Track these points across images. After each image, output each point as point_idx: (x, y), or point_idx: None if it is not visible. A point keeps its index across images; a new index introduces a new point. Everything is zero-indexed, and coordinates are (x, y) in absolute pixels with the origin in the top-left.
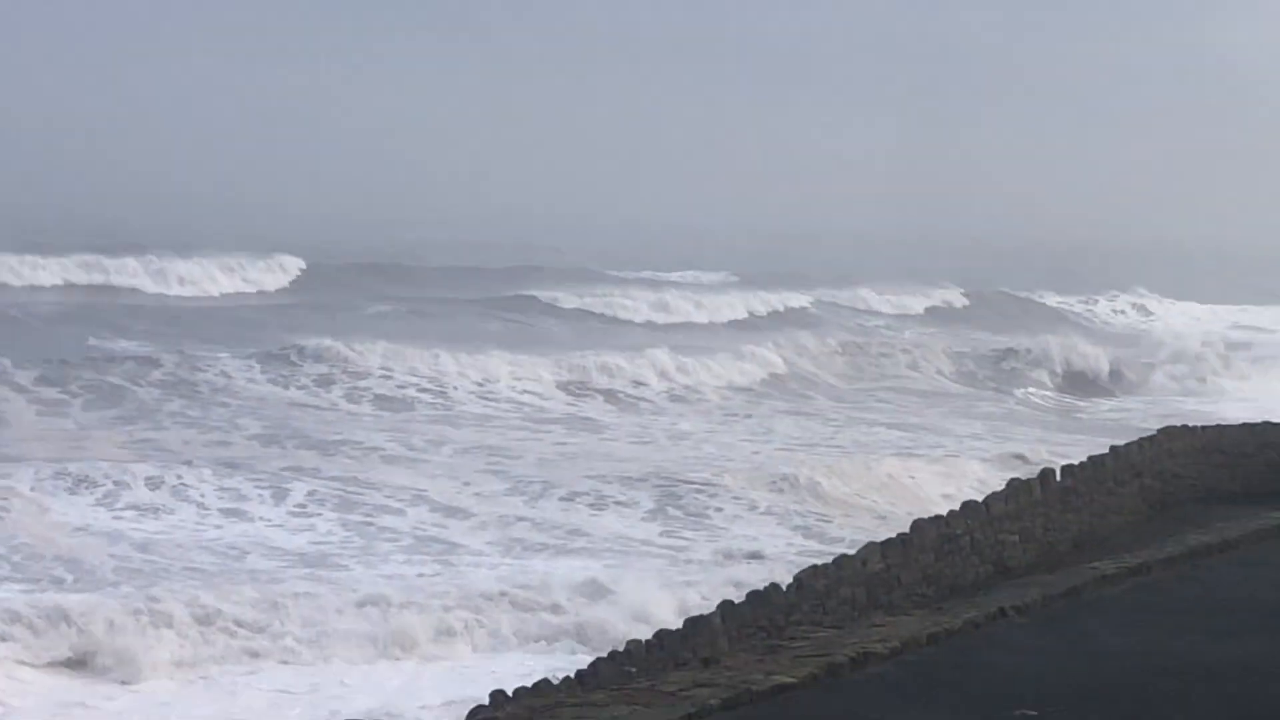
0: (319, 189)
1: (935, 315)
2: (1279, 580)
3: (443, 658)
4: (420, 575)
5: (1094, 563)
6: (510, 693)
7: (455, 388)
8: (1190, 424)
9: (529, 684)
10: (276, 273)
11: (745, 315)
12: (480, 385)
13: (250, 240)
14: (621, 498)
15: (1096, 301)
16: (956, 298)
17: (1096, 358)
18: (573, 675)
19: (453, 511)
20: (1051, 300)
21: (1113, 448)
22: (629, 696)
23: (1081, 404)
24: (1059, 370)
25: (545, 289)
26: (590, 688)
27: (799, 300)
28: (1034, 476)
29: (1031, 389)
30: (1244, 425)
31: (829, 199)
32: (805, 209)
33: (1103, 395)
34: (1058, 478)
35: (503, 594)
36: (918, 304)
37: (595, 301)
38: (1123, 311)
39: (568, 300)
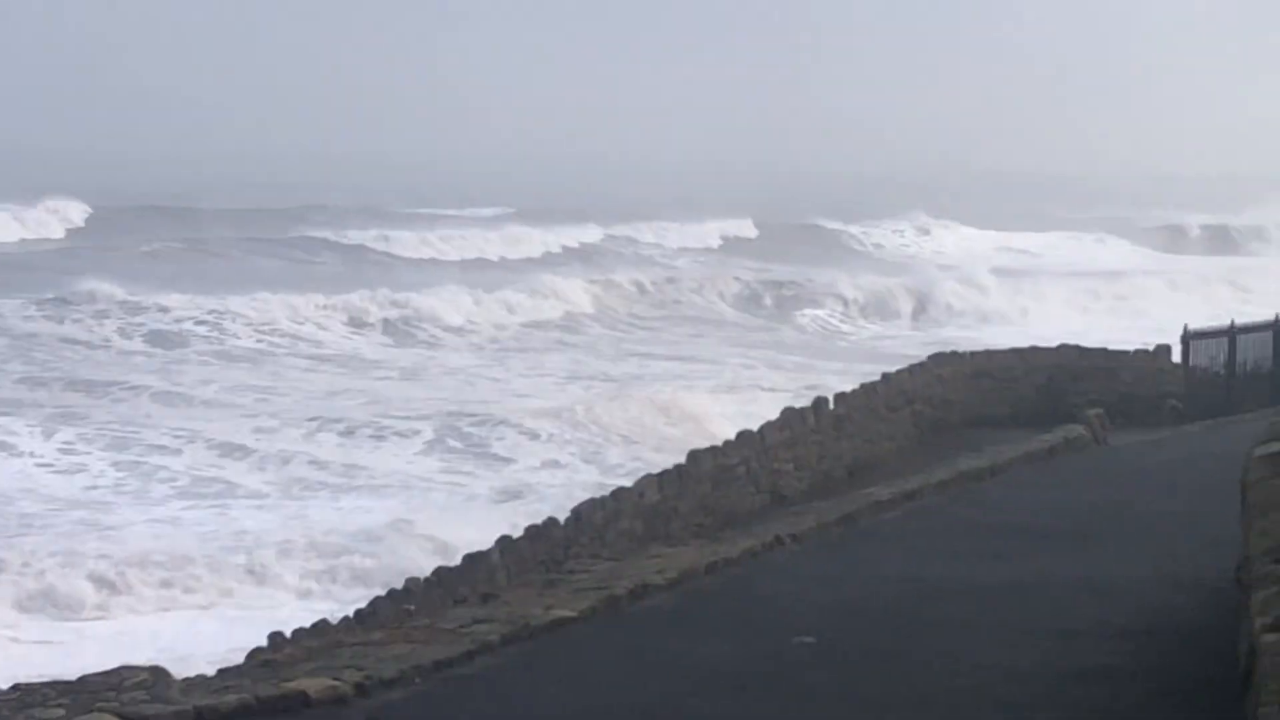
0: (101, 135)
1: (728, 247)
2: (1048, 502)
3: (219, 603)
4: (196, 518)
5: (868, 489)
6: (289, 634)
7: (232, 326)
8: (960, 350)
9: (308, 625)
10: (57, 218)
11: (540, 253)
12: (259, 323)
13: (36, 187)
14: (402, 431)
15: (878, 228)
16: (748, 229)
17: (876, 286)
18: (351, 615)
19: (230, 450)
20: (839, 227)
21: (884, 374)
22: (408, 635)
23: (862, 331)
24: (842, 298)
25: (328, 228)
26: (369, 627)
27: (591, 235)
28: (808, 405)
29: (809, 317)
30: (1012, 350)
31: (619, 131)
32: (593, 142)
33: (882, 322)
34: (831, 405)
35: (283, 537)
36: (710, 237)
37: (379, 238)
38: (901, 232)
39: (352, 237)
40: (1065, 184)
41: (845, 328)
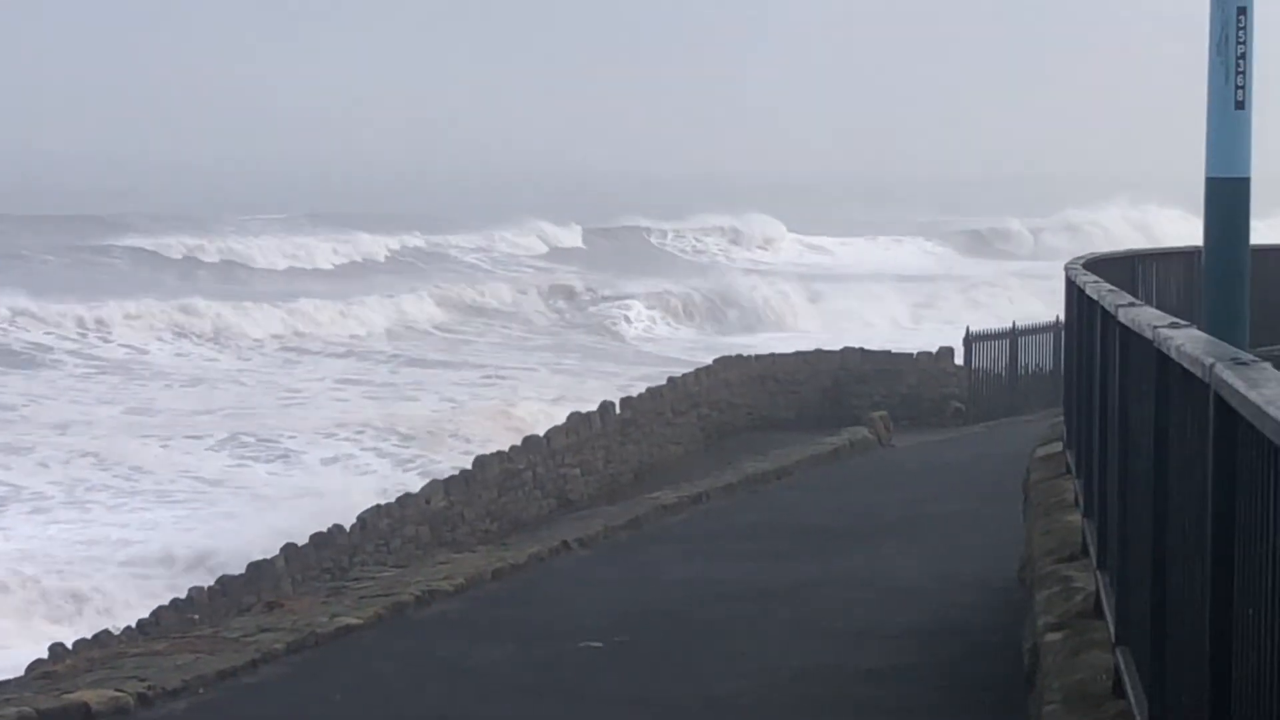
0: None
1: (553, 255)
2: (834, 504)
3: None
4: None
5: (655, 493)
6: (70, 645)
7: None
8: (745, 354)
9: (88, 635)
10: None
11: (360, 260)
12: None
13: None
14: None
15: (693, 232)
16: (573, 236)
17: (686, 294)
18: (133, 625)
19: None
20: (654, 234)
21: (670, 378)
22: (192, 644)
23: (676, 335)
24: (661, 303)
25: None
26: (152, 636)
27: (415, 242)
28: (594, 410)
29: (623, 325)
30: (797, 354)
31: (426, 137)
32: (409, 146)
33: (693, 326)
34: (617, 410)
35: (55, 553)
36: (536, 244)
37: (198, 246)
38: (699, 241)
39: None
40: (881, 189)
41: (661, 332)
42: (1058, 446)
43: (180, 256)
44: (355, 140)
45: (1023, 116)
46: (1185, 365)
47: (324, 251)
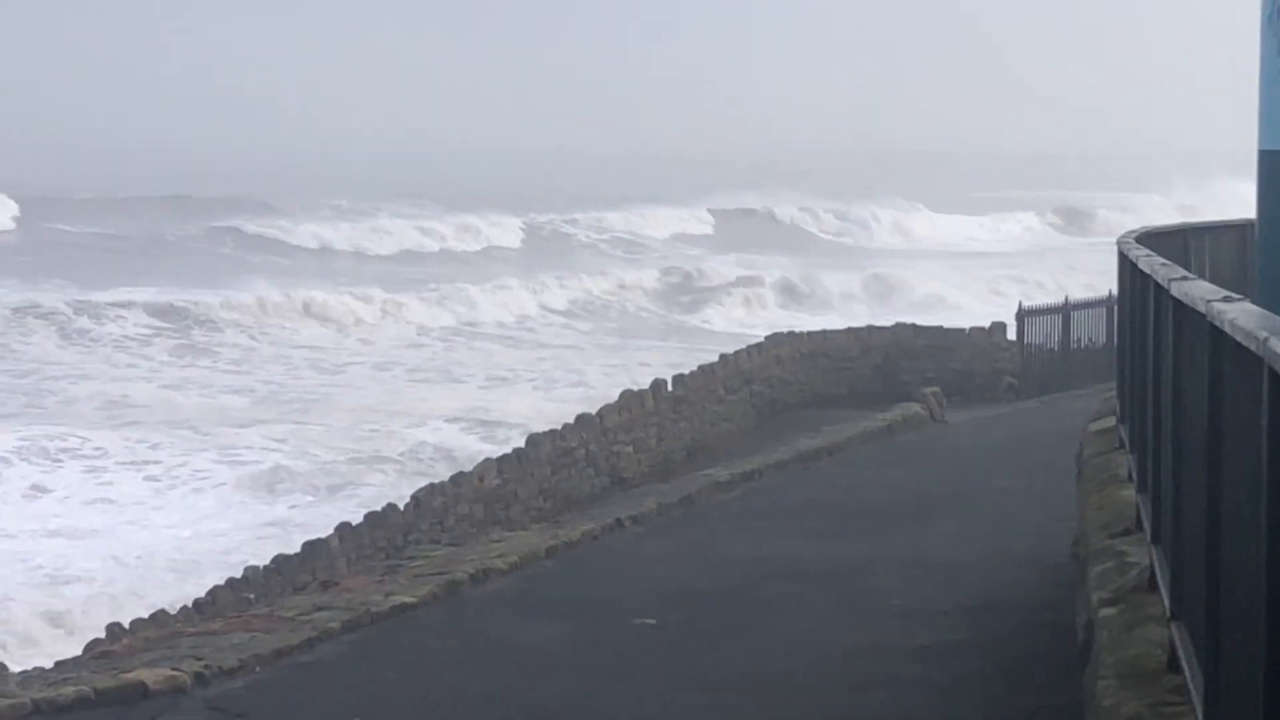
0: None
1: (682, 240)
2: (886, 481)
3: None
4: None
5: (707, 470)
6: (127, 625)
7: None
8: (796, 330)
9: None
10: None
11: (515, 243)
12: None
13: None
14: None
15: (846, 215)
16: (701, 219)
17: (804, 274)
18: (190, 604)
19: None
20: (791, 216)
21: (722, 355)
22: (248, 623)
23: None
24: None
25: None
26: (209, 616)
27: (564, 227)
28: (645, 387)
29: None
30: (848, 330)
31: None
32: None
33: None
34: (669, 388)
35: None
36: (675, 224)
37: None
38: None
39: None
40: (964, 162)
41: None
42: (1111, 421)
43: (316, 246)
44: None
45: (1119, 89)
46: (1239, 339)
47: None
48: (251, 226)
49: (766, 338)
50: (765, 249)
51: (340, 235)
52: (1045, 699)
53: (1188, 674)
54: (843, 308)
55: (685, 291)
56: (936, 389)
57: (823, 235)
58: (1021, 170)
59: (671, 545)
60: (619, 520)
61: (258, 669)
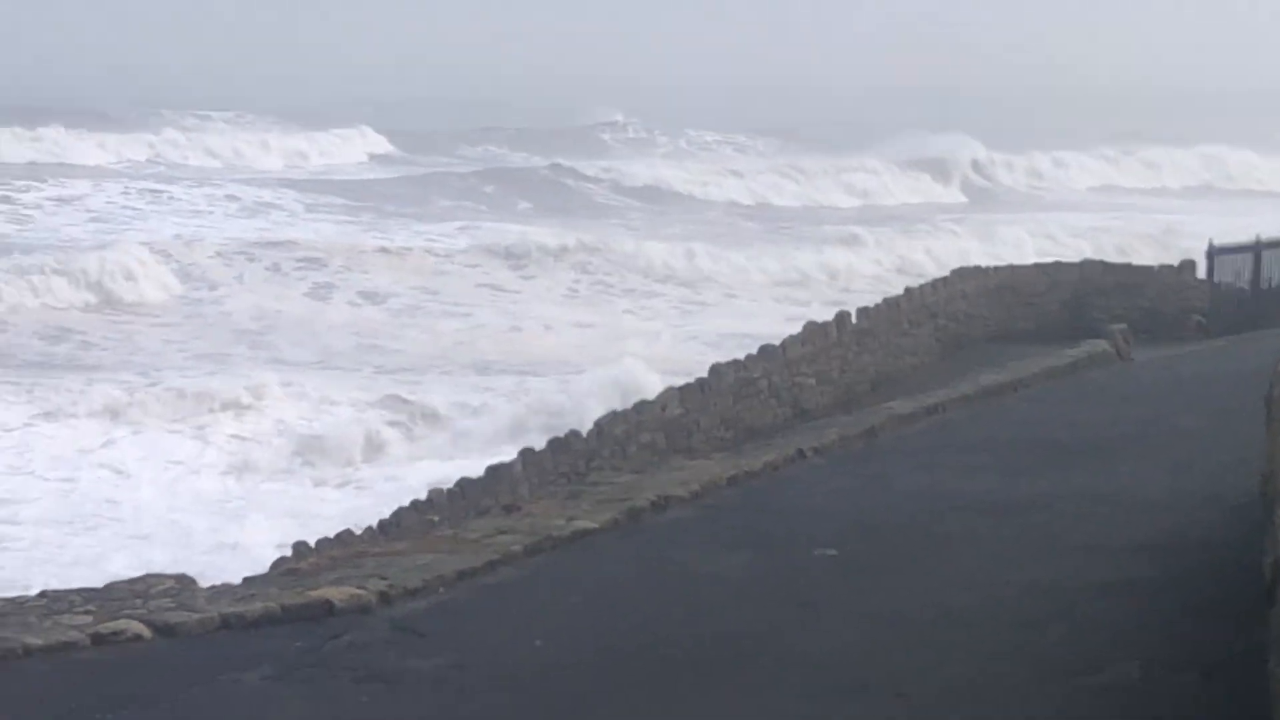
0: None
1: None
2: (1070, 418)
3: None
4: None
5: (890, 403)
6: (313, 543)
7: None
8: (982, 265)
9: (330, 534)
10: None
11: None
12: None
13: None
14: None
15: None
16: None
17: None
18: (374, 525)
19: None
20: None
21: (907, 289)
22: (431, 544)
23: None
24: None
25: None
26: (393, 537)
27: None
28: (830, 320)
29: None
30: (1036, 265)
31: None
32: None
33: None
34: (853, 320)
35: None
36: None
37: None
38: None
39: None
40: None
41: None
42: None
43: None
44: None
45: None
46: None
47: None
48: None
49: (952, 271)
50: None
51: None
52: (1231, 637)
53: None
54: None
55: None
56: (1124, 326)
57: None
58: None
59: (853, 477)
60: (800, 451)
61: (441, 590)
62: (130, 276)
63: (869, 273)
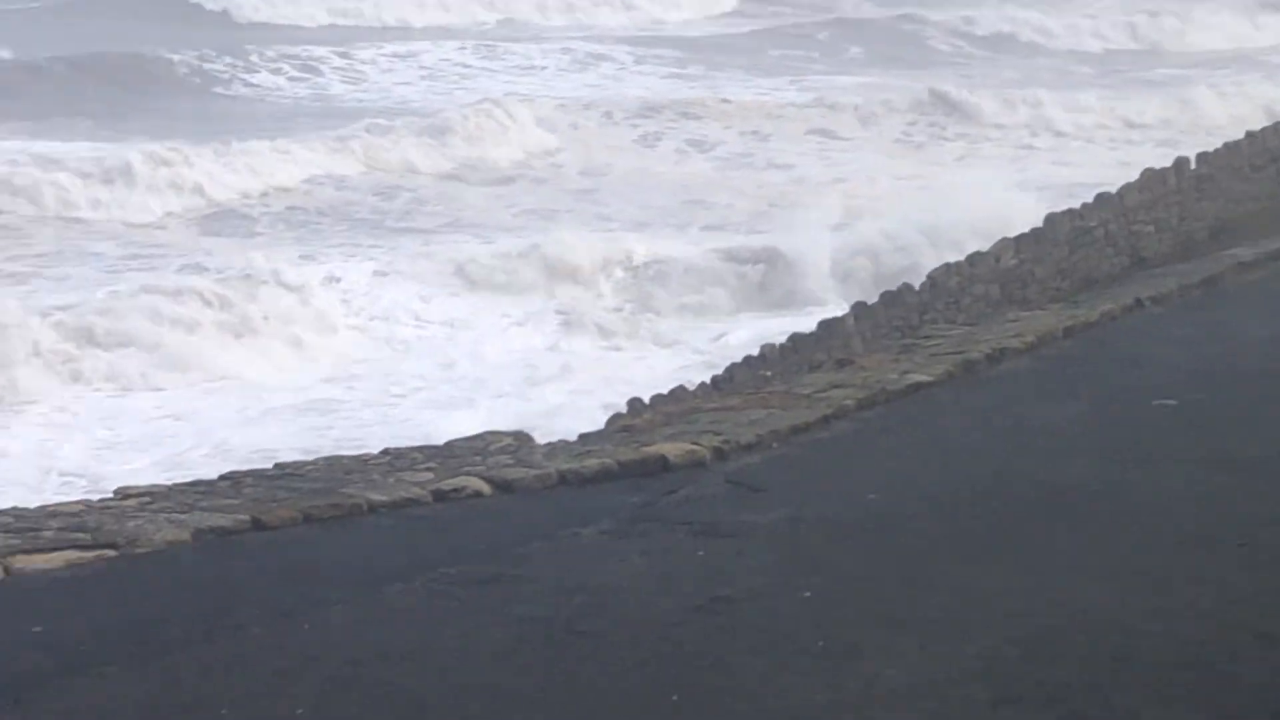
0: None
1: None
2: None
3: None
4: None
5: (1231, 250)
6: (647, 400)
7: None
8: None
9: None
10: None
11: None
12: None
13: None
14: None
15: None
16: None
17: None
18: (708, 380)
19: None
20: None
21: (1248, 132)
22: (764, 400)
23: None
24: None
25: None
26: (725, 393)
27: None
28: (1168, 165)
29: None
30: None
31: None
32: None
33: None
34: (1192, 165)
35: None
36: None
37: None
38: None
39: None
40: None
41: None
42: None
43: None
44: None
45: None
46: None
47: None
48: None
49: None
50: None
51: None
52: None
53: None
54: None
55: None
56: None
57: None
58: None
59: (1192, 326)
60: (1138, 300)
61: (774, 445)
62: (470, 136)
63: (1217, 120)
